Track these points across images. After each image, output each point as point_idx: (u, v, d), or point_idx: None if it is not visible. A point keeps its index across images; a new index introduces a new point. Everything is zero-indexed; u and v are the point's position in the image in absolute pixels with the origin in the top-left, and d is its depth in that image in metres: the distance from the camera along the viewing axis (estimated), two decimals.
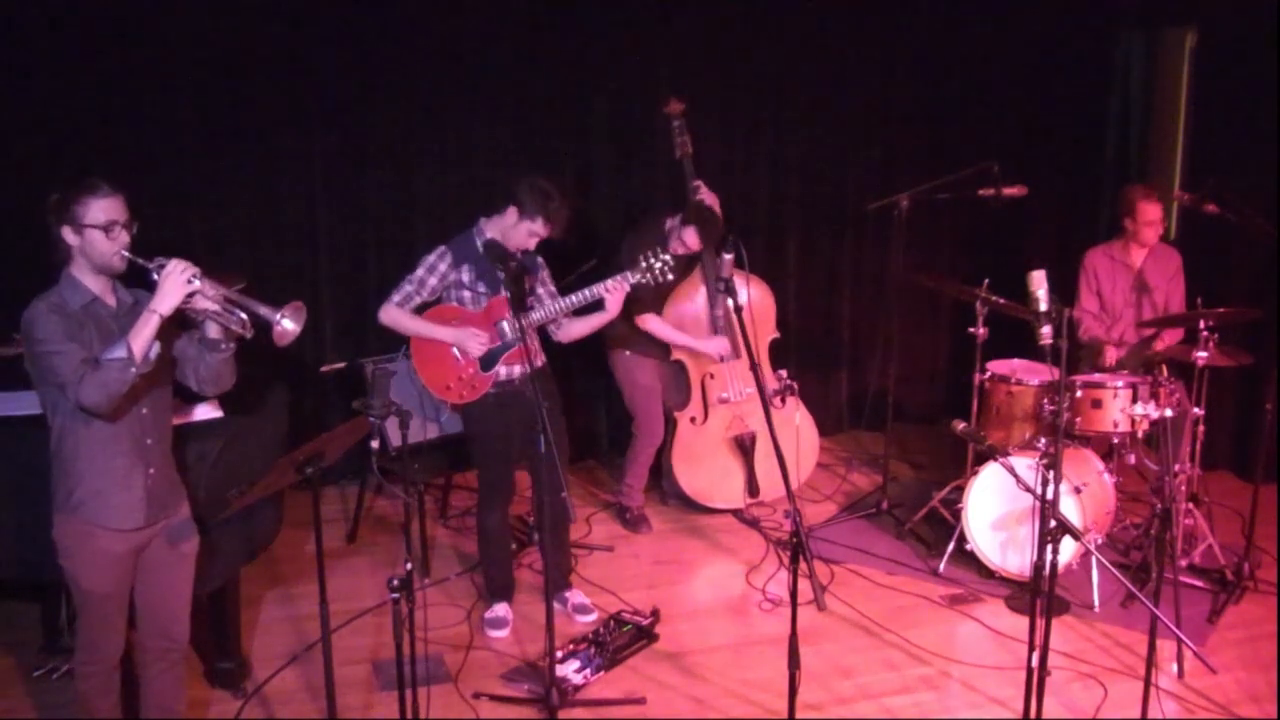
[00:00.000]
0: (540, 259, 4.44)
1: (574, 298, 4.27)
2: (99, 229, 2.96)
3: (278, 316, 2.97)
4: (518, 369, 4.33)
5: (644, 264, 4.15)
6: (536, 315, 4.28)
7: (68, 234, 2.97)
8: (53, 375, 2.93)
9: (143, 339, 2.90)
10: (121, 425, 3.05)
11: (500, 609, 4.53)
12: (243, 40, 5.34)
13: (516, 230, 4.22)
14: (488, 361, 4.29)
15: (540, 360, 4.43)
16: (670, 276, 4.24)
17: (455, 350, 4.31)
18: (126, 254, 2.99)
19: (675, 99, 5.31)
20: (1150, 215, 5.18)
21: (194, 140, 5.39)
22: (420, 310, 4.32)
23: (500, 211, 4.27)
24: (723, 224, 5.10)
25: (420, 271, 4.29)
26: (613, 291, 4.24)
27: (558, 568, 4.60)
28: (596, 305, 4.34)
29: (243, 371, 3.28)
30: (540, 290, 4.41)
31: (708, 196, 5.19)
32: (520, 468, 4.61)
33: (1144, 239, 5.24)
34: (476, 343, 4.26)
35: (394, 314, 4.28)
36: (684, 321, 5.33)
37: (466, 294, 4.30)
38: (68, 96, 5.10)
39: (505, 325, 4.28)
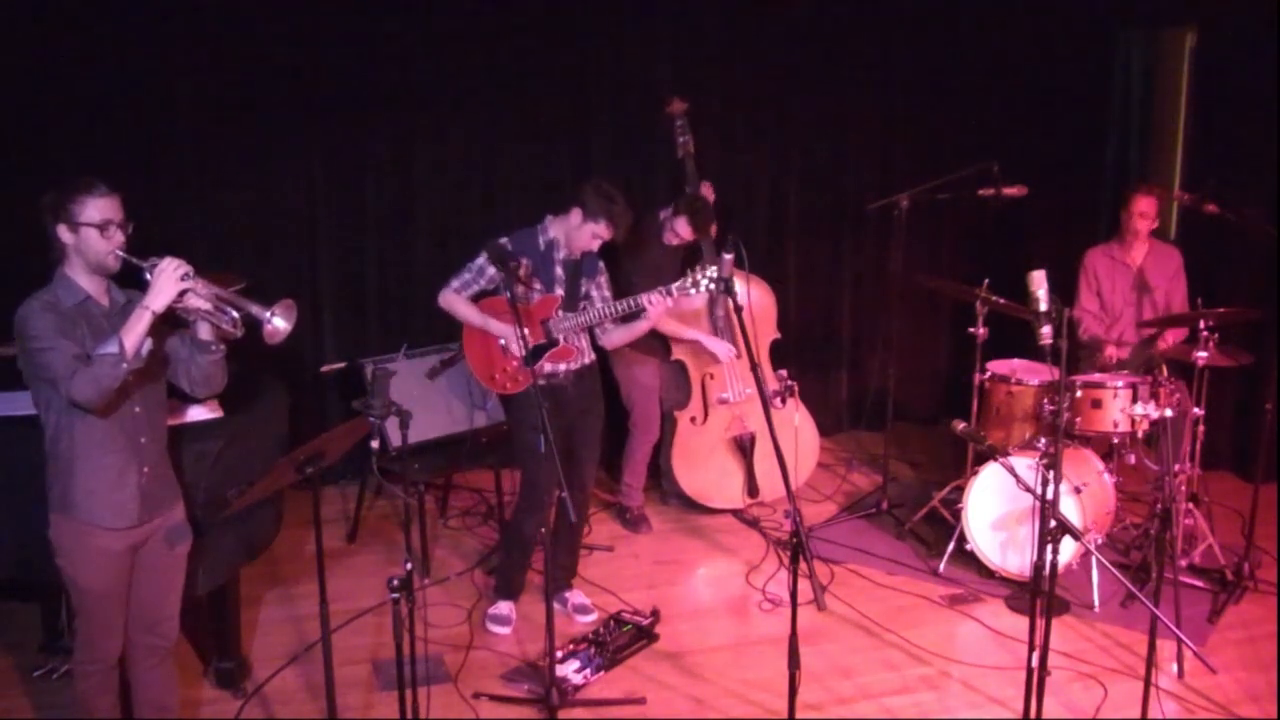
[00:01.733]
0: (601, 264, 4.48)
1: (617, 305, 4.30)
2: (94, 227, 2.96)
3: (268, 315, 2.97)
4: (563, 366, 4.37)
5: (690, 279, 4.08)
6: (574, 320, 4.31)
7: (63, 232, 2.97)
8: (45, 371, 2.93)
9: (135, 335, 2.90)
10: (115, 423, 3.05)
11: (504, 606, 4.53)
12: (242, 40, 5.34)
13: (580, 232, 4.28)
14: (531, 357, 4.30)
15: (590, 359, 4.48)
16: (714, 291, 4.20)
17: (502, 343, 4.35)
18: (121, 253, 2.99)
19: (678, 99, 5.32)
20: (1141, 207, 5.19)
21: (194, 140, 5.39)
22: (478, 299, 4.37)
23: (565, 212, 4.31)
24: (713, 214, 5.10)
25: (481, 260, 4.34)
26: (655, 305, 4.22)
27: (561, 568, 4.60)
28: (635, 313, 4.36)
29: (242, 371, 3.28)
30: (594, 294, 4.44)
31: (707, 192, 5.21)
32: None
33: (1135, 230, 5.24)
34: (518, 341, 4.28)
35: (450, 299, 4.38)
36: (685, 321, 5.33)
37: (520, 288, 4.32)
38: (68, 96, 5.10)
39: (552, 323, 4.31)
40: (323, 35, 5.46)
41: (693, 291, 4.11)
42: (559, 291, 4.34)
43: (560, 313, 4.33)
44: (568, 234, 4.33)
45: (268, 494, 3.59)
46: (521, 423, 4.43)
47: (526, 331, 4.26)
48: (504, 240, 4.31)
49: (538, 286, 4.32)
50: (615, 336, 4.52)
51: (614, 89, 5.96)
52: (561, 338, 4.32)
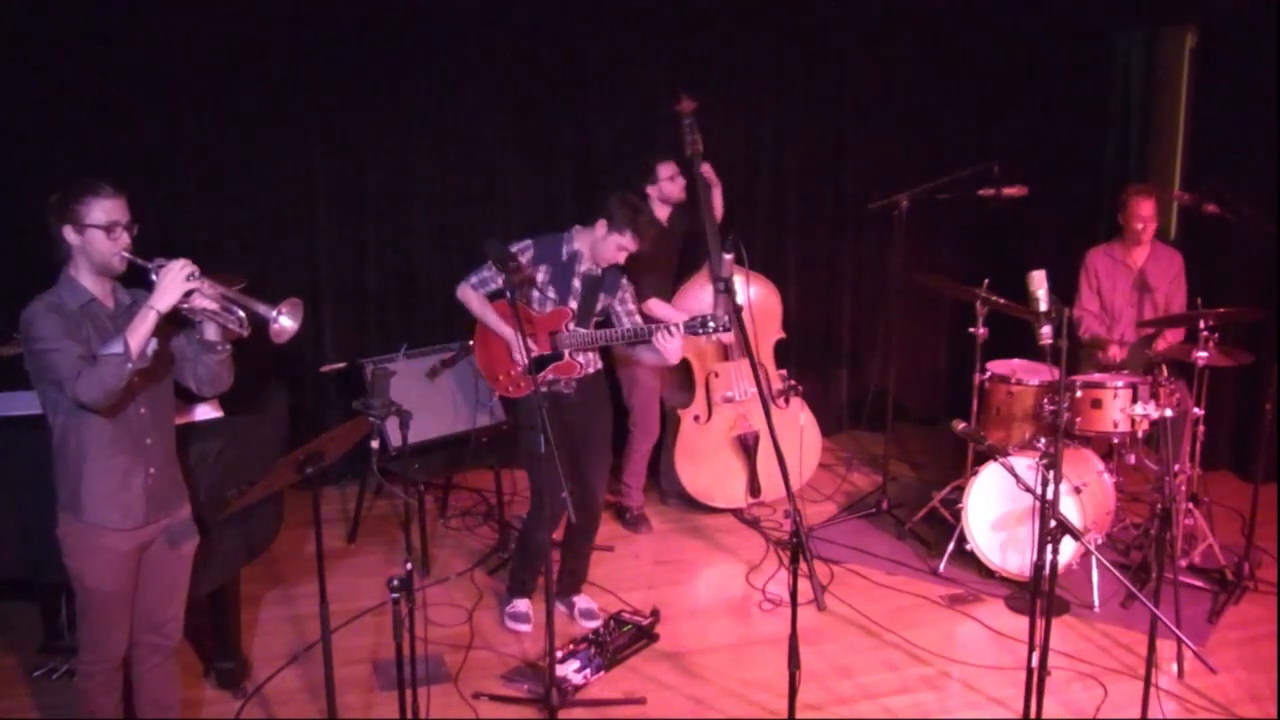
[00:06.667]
0: (625, 280, 4.41)
1: (624, 331, 4.29)
2: (100, 229, 2.95)
3: (274, 314, 2.96)
4: (565, 376, 4.34)
5: (698, 320, 4.10)
6: (582, 337, 4.26)
7: (68, 233, 2.97)
8: (50, 372, 2.93)
9: (140, 335, 2.90)
10: (120, 425, 3.05)
11: (522, 604, 4.53)
12: (242, 40, 5.35)
13: (605, 243, 4.24)
14: (534, 367, 4.28)
15: (594, 368, 4.41)
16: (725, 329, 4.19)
17: (510, 348, 4.33)
18: (126, 255, 2.99)
19: (687, 98, 5.33)
20: (1141, 211, 5.20)
21: (194, 140, 5.40)
22: (494, 297, 4.34)
23: (591, 224, 4.28)
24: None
25: None
26: (663, 342, 4.13)
27: (571, 574, 4.60)
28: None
29: (243, 371, 3.28)
30: (619, 309, 4.39)
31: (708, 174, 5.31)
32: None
33: (1136, 234, 5.25)
34: (519, 346, 4.26)
35: (467, 293, 4.36)
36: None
37: (535, 294, 4.30)
38: (67, 97, 5.11)
39: (561, 337, 4.27)
40: (323, 37, 5.46)
41: (699, 332, 4.11)
42: (573, 304, 4.28)
43: (571, 326, 4.27)
44: (593, 246, 4.27)
45: (268, 494, 3.59)
46: (527, 429, 4.41)
47: (531, 342, 4.25)
48: (529, 241, 4.28)
49: (551, 295, 4.28)
50: (644, 357, 4.43)
51: (614, 89, 5.96)
52: (566, 353, 4.28)
